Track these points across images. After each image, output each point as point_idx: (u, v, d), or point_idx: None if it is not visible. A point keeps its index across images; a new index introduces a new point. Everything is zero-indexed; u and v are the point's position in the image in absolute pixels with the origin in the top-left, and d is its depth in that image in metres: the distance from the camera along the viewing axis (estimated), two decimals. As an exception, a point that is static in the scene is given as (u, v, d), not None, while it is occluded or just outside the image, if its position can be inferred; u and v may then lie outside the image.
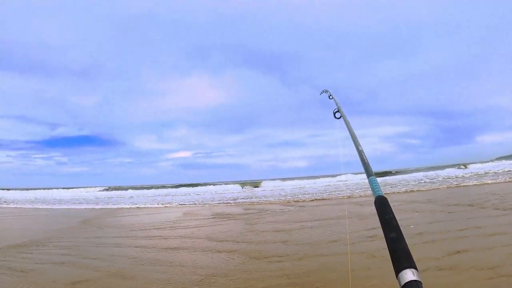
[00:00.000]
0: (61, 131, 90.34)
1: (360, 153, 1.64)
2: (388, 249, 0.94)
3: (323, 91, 2.99)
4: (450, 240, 5.95)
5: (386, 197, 1.18)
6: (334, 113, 2.30)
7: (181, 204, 17.34)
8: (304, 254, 5.78)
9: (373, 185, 1.28)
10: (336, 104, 2.40)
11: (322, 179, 32.06)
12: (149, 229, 9.46)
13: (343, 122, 2.15)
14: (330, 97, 2.69)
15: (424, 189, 16.44)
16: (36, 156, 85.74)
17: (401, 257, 0.89)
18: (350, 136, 1.90)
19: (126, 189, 39.52)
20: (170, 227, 9.65)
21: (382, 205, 1.13)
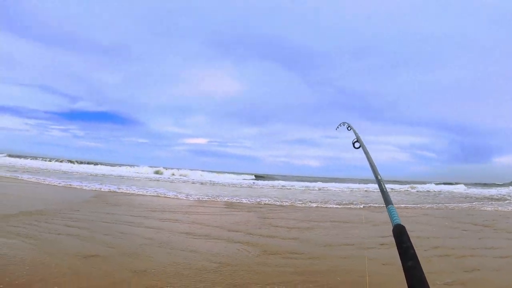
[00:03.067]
0: (80, 105, 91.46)
1: (379, 182, 1.70)
2: (405, 277, 0.98)
3: (340, 124, 3.02)
4: (463, 257, 5.93)
5: (404, 225, 1.21)
6: (353, 143, 2.35)
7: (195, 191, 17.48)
8: (317, 254, 5.84)
9: (392, 214, 1.31)
10: (355, 135, 2.45)
11: (335, 183, 32.10)
12: (162, 211, 9.62)
13: (362, 151, 2.19)
14: (349, 128, 2.74)
15: (437, 204, 16.39)
16: (54, 127, 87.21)
17: (417, 285, 0.94)
18: (370, 166, 1.95)
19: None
20: (184, 212, 9.78)
21: (400, 233, 1.16)
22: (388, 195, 1.50)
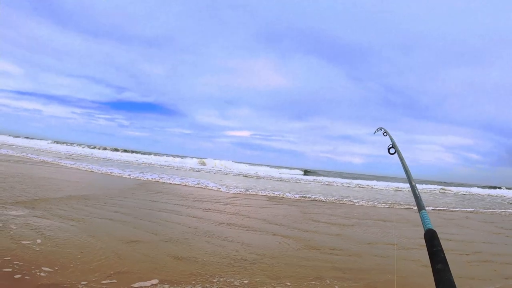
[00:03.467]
0: (126, 95, 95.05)
1: (413, 188, 1.71)
2: (434, 279, 1.00)
3: (377, 129, 3.04)
4: (506, 264, 5.67)
5: (435, 230, 1.23)
6: (389, 149, 2.37)
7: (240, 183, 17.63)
8: (356, 251, 5.73)
9: (424, 219, 1.34)
10: (391, 140, 2.47)
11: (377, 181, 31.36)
12: (205, 201, 9.76)
13: (397, 157, 2.22)
14: (385, 134, 2.78)
15: (480, 208, 15.55)
16: (100, 116, 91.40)
17: (446, 287, 0.95)
18: (404, 171, 1.98)
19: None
20: (226, 203, 9.90)
21: (431, 237, 1.19)
22: (421, 200, 1.54)
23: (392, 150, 2.34)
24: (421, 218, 1.36)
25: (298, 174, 38.65)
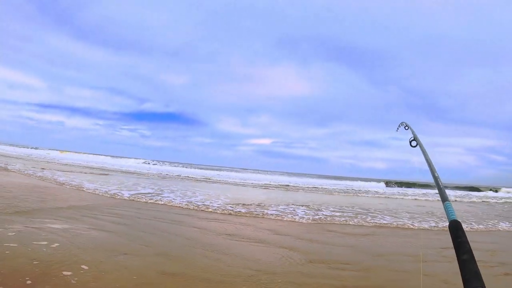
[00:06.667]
0: (148, 106, 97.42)
1: (436, 179, 1.69)
2: (460, 270, 0.98)
3: (399, 124, 2.98)
4: None
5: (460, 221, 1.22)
6: (410, 142, 2.32)
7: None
8: (369, 264, 5.20)
9: (448, 210, 1.32)
10: (412, 133, 2.41)
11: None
12: (211, 211, 9.36)
13: (419, 150, 2.16)
14: (406, 127, 2.74)
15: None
16: (123, 127, 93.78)
17: (471, 277, 0.94)
18: (427, 164, 1.92)
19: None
20: (233, 213, 9.41)
21: (455, 229, 1.18)
22: (444, 192, 1.49)
23: (413, 143, 2.29)
24: (445, 209, 1.35)
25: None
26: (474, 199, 22.95)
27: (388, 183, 38.22)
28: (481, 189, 39.72)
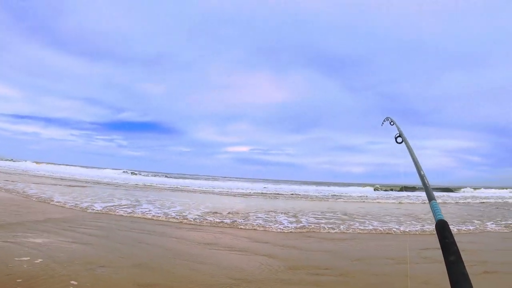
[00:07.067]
0: (124, 116, 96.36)
1: (422, 177, 1.66)
2: (447, 271, 0.97)
3: (384, 119, 3.01)
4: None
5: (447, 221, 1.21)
6: (396, 138, 2.32)
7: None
8: (350, 269, 5.21)
9: (434, 209, 1.30)
10: (398, 129, 2.41)
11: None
12: (189, 221, 9.20)
13: (405, 146, 2.15)
14: (392, 123, 2.73)
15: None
16: (98, 137, 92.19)
17: (459, 280, 0.93)
18: (412, 161, 1.90)
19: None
20: (214, 221, 9.26)
21: (442, 229, 1.16)
22: (431, 191, 1.48)
23: (399, 139, 2.29)
24: (431, 209, 1.33)
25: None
26: (450, 200, 23.43)
27: (377, 188, 38.88)
28: (453, 189, 40.79)
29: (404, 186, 31.42)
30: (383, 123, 3.02)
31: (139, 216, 9.36)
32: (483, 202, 21.97)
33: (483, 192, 37.33)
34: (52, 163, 49.46)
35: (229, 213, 10.96)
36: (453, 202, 21.90)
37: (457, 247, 1.04)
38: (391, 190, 37.43)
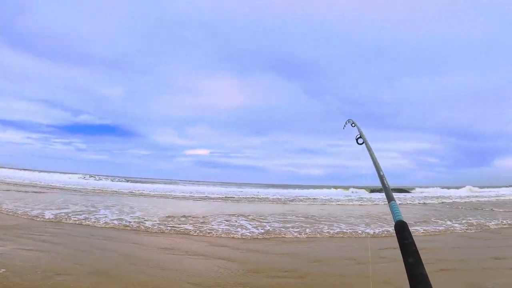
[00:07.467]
0: (83, 118, 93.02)
1: (382, 178, 1.68)
2: (407, 273, 0.97)
3: (346, 122, 3.04)
4: (471, 271, 5.38)
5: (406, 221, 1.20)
6: (357, 139, 2.35)
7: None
8: (310, 271, 5.27)
9: (394, 210, 1.30)
10: (358, 131, 2.45)
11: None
12: (148, 226, 8.99)
13: (365, 147, 2.18)
14: (353, 125, 2.77)
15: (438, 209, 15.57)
16: (56, 140, 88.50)
17: (419, 282, 0.93)
18: (372, 162, 1.93)
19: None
20: (170, 226, 9.12)
21: (401, 229, 1.15)
22: (390, 191, 1.49)
23: (360, 141, 2.32)
24: (390, 209, 1.33)
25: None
26: (409, 201, 24.21)
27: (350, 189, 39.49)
28: (409, 190, 42.33)
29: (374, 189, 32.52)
30: (345, 125, 3.06)
31: (95, 222, 9.00)
32: (443, 202, 22.83)
33: (438, 192, 38.84)
34: (7, 168, 46.71)
35: (188, 217, 10.81)
36: (410, 202, 22.65)
37: (416, 247, 1.05)
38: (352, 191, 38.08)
